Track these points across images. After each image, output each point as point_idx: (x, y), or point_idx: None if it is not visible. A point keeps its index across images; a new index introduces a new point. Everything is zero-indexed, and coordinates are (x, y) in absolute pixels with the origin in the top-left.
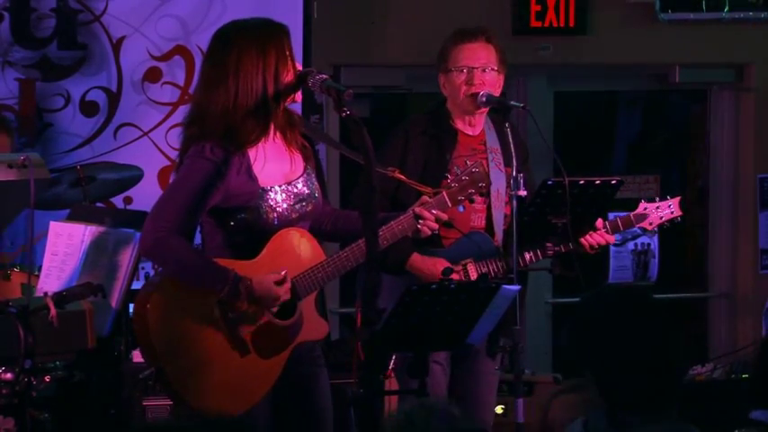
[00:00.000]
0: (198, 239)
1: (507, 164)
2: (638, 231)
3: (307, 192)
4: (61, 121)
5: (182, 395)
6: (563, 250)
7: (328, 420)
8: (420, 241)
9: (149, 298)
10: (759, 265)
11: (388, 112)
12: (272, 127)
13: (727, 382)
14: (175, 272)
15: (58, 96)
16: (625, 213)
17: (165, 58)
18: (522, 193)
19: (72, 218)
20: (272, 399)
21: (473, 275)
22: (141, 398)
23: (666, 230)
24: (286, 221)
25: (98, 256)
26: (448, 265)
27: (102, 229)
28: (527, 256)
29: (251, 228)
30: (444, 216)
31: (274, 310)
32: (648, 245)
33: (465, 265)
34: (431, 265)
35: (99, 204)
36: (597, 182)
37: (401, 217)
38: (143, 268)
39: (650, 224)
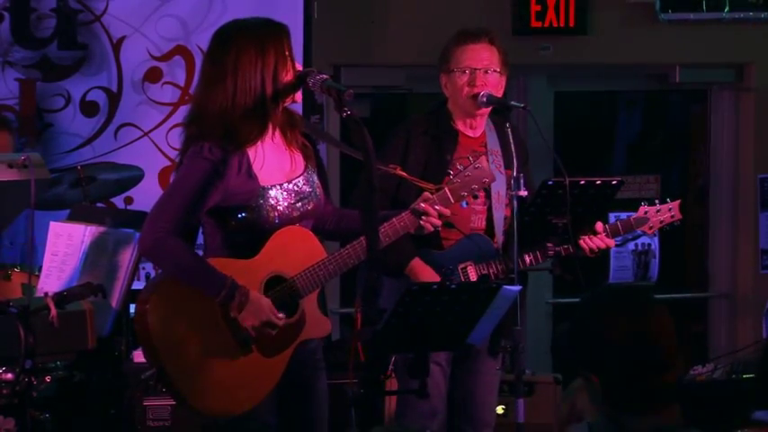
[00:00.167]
0: (200, 239)
1: (507, 166)
2: (639, 232)
3: (308, 190)
4: (61, 122)
5: (184, 395)
6: (563, 254)
7: (323, 422)
8: (420, 242)
9: (150, 298)
10: (759, 265)
11: (388, 113)
12: (272, 126)
13: (727, 383)
14: (174, 273)
15: (59, 96)
16: (626, 216)
17: (166, 58)
18: (523, 193)
19: (72, 218)
20: (276, 399)
21: (473, 277)
22: (142, 398)
23: (667, 231)
24: (287, 220)
25: (98, 257)
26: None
27: (102, 229)
28: (527, 258)
29: (252, 227)
30: (447, 212)
31: (252, 333)
32: (649, 245)
33: (465, 268)
34: (430, 275)
35: (99, 204)
36: (597, 182)
37: (403, 213)
38: (143, 268)
39: (650, 228)
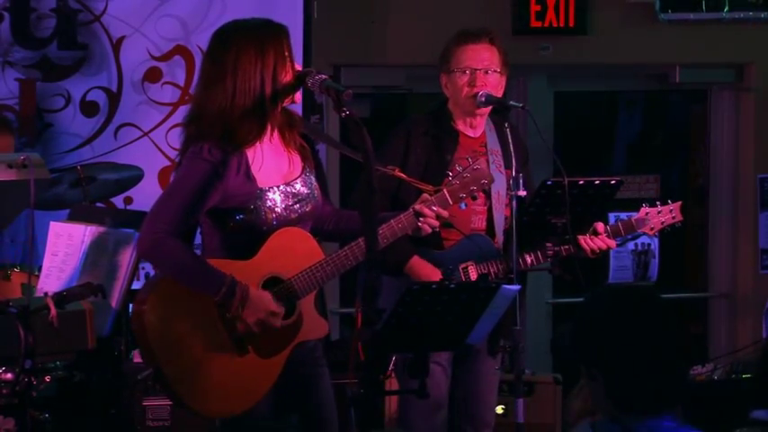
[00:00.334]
0: (198, 240)
1: (507, 166)
2: (639, 232)
3: (305, 192)
4: (61, 122)
5: (180, 395)
6: (564, 254)
7: (332, 420)
8: (421, 242)
9: (147, 298)
10: (759, 265)
11: (388, 113)
12: (271, 127)
13: (727, 383)
14: (173, 274)
15: (59, 96)
16: (626, 216)
17: (166, 58)
18: (522, 193)
19: (72, 218)
20: (274, 399)
21: (474, 277)
22: (141, 398)
23: (667, 231)
24: (285, 222)
25: (98, 257)
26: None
27: (102, 229)
28: (528, 258)
29: (250, 228)
30: (445, 213)
31: (255, 329)
32: (649, 245)
33: (466, 267)
34: (429, 272)
35: (99, 204)
36: (597, 182)
37: (401, 215)
38: (143, 268)
39: (651, 229)
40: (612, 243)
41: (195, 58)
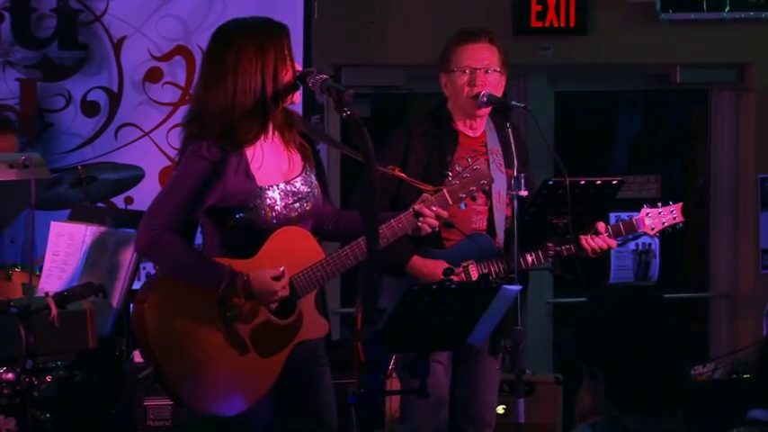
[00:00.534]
0: (199, 240)
1: (508, 165)
2: (640, 232)
3: (305, 190)
4: (62, 122)
5: (181, 394)
6: (565, 253)
7: (332, 419)
8: (422, 242)
9: (147, 297)
10: (760, 265)
11: (388, 113)
12: (271, 126)
13: (727, 383)
14: (172, 270)
15: (59, 96)
16: (627, 217)
17: (166, 58)
18: (523, 193)
19: (73, 218)
20: (274, 398)
21: (474, 276)
22: (142, 398)
23: (668, 233)
24: (285, 220)
25: (99, 256)
26: (448, 266)
27: (102, 229)
28: (529, 258)
29: (250, 227)
30: (444, 213)
31: (272, 307)
32: (649, 245)
33: (467, 267)
34: (432, 268)
35: (100, 204)
36: (598, 182)
37: (401, 215)
38: (144, 268)
39: (652, 229)
40: (613, 243)
41: (196, 58)
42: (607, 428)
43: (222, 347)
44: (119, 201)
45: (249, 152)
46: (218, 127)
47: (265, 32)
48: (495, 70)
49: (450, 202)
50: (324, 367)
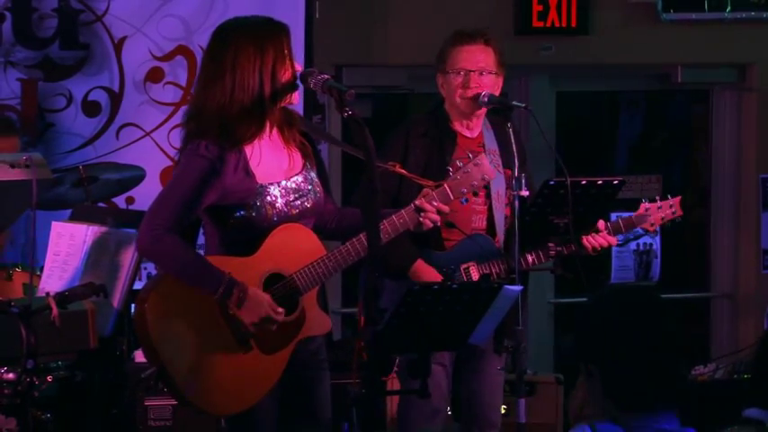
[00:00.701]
0: (201, 240)
1: (506, 165)
2: (641, 231)
3: (306, 188)
4: (63, 122)
5: (184, 393)
6: (565, 252)
7: (327, 423)
8: (422, 243)
9: (149, 295)
10: (761, 265)
11: (389, 113)
12: (269, 125)
13: (729, 383)
14: (172, 271)
15: (60, 96)
16: (627, 214)
17: (167, 58)
18: (525, 193)
19: (74, 218)
20: (279, 399)
21: (475, 277)
22: (143, 398)
23: (668, 230)
24: (286, 218)
25: (100, 257)
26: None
27: (104, 229)
28: (530, 258)
29: (250, 225)
30: (445, 208)
31: (251, 329)
32: (651, 245)
33: (467, 269)
34: (434, 275)
35: (101, 204)
36: (599, 182)
37: (402, 210)
38: (145, 268)
39: (651, 225)
40: (614, 240)
41: (197, 58)
42: (607, 428)
43: (225, 345)
44: (120, 201)
45: (248, 150)
46: (215, 125)
47: (265, 31)
48: (490, 72)
49: (452, 197)
50: (324, 371)
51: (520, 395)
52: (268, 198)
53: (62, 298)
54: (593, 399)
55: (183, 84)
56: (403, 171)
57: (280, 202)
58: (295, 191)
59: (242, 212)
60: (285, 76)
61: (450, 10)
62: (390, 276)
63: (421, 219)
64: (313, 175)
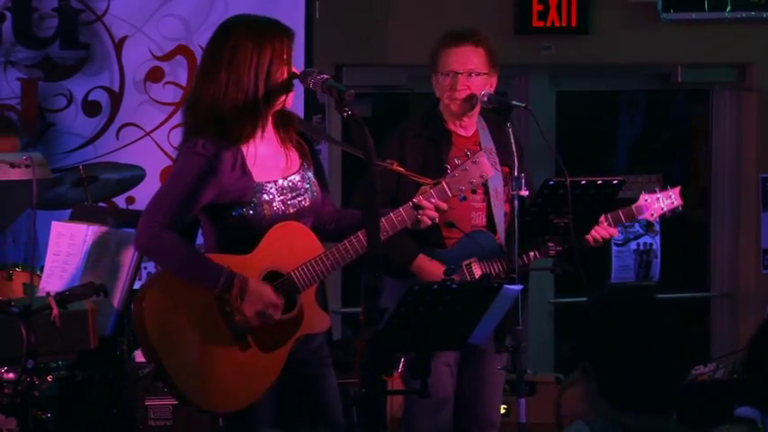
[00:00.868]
0: (200, 240)
1: (503, 163)
2: (641, 231)
3: (303, 186)
4: (63, 121)
5: (182, 390)
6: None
7: (338, 419)
8: (423, 242)
9: (147, 292)
10: (761, 264)
11: (389, 113)
12: (265, 124)
13: (729, 383)
14: (170, 267)
15: (61, 96)
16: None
17: (168, 57)
18: (524, 192)
19: (74, 218)
20: (278, 397)
21: (477, 273)
22: (144, 397)
23: (669, 230)
24: (283, 216)
25: (100, 256)
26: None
27: (104, 229)
28: (531, 253)
29: (248, 224)
30: (444, 205)
31: (254, 323)
32: (651, 245)
33: (469, 265)
34: (436, 269)
35: (101, 204)
36: (599, 182)
37: (401, 208)
38: (145, 268)
39: (652, 215)
40: (614, 231)
41: (197, 57)
42: (605, 427)
43: (223, 343)
44: (120, 201)
45: (245, 149)
46: (210, 121)
47: (266, 31)
48: (479, 73)
49: (450, 194)
50: (327, 368)
51: (520, 395)
52: (265, 196)
53: (62, 298)
54: (589, 398)
55: (183, 83)
56: (401, 169)
57: (277, 201)
58: (292, 189)
59: (239, 211)
60: (280, 78)
61: (450, 10)
62: (392, 275)
63: (419, 216)
64: (310, 174)
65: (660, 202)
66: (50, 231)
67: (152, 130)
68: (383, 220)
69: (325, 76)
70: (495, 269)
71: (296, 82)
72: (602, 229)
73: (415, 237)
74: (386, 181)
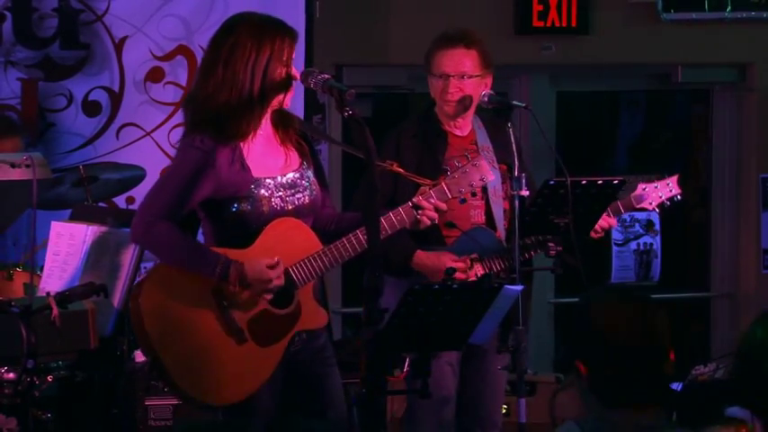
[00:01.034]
0: (200, 239)
1: (501, 161)
2: (641, 231)
3: (302, 184)
4: (63, 121)
5: (178, 384)
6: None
7: (341, 418)
8: (423, 241)
9: (142, 288)
10: (761, 264)
11: (390, 113)
12: (263, 123)
13: (729, 383)
14: (167, 257)
15: (61, 96)
16: (628, 216)
17: (168, 57)
18: (524, 192)
19: (74, 218)
20: (281, 396)
21: (479, 271)
22: (143, 398)
23: (669, 230)
24: (281, 213)
25: (100, 256)
26: (454, 257)
27: (104, 228)
28: (532, 252)
29: (246, 219)
30: (443, 206)
31: (267, 297)
32: (651, 245)
33: (471, 260)
34: (435, 259)
35: (101, 204)
36: (599, 182)
37: (400, 208)
38: (145, 268)
39: (650, 204)
40: (614, 221)
41: (197, 57)
42: (595, 426)
43: (219, 336)
44: (120, 201)
45: (244, 145)
46: (208, 117)
47: (268, 29)
48: (471, 75)
49: (450, 195)
50: (331, 367)
51: (520, 395)
52: (263, 191)
53: (62, 298)
54: (580, 396)
55: (184, 84)
56: (401, 170)
57: (275, 197)
58: (291, 186)
59: (237, 206)
60: (278, 77)
61: (451, 10)
62: (392, 274)
63: (418, 216)
64: (310, 173)
65: (658, 191)
66: (50, 231)
67: (152, 130)
68: (382, 219)
69: (326, 75)
70: (496, 266)
71: (296, 82)
72: (602, 220)
73: (414, 236)
74: (384, 183)
